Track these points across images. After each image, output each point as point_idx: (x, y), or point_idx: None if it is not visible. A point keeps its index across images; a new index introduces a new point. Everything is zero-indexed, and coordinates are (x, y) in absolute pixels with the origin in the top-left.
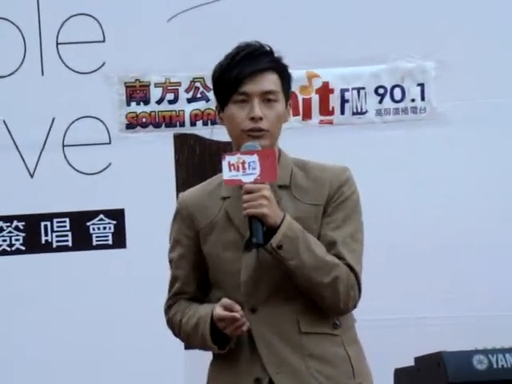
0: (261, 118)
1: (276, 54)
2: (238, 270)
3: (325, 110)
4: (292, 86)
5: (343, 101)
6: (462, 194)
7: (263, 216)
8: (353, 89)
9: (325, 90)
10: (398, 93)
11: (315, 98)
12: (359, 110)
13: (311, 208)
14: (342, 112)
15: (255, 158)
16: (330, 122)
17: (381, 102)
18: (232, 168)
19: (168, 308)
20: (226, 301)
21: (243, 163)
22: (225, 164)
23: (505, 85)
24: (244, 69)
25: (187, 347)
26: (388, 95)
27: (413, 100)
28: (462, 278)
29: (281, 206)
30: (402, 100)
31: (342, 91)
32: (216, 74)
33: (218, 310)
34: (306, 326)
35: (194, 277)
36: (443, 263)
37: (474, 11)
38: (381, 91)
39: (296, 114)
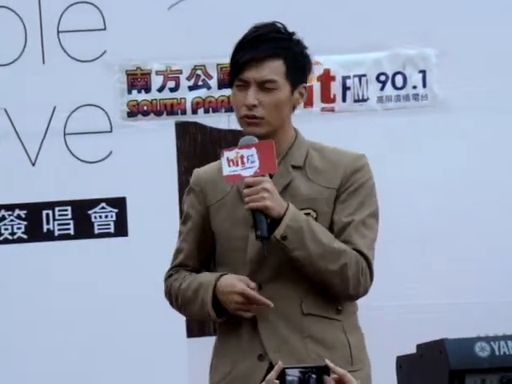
0: (254, 106)
1: (294, 36)
2: (244, 247)
3: (326, 97)
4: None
5: (345, 88)
6: (464, 181)
7: (266, 208)
8: (354, 76)
9: (326, 78)
10: (399, 80)
11: (316, 86)
12: (361, 98)
13: (324, 190)
14: (344, 99)
15: (253, 151)
16: (332, 110)
17: (382, 89)
18: (231, 163)
19: (168, 277)
20: (248, 280)
21: (242, 157)
22: (224, 160)
23: (505, 71)
24: (244, 55)
25: (188, 331)
26: (389, 82)
27: (414, 87)
28: (465, 265)
29: (294, 186)
30: (403, 87)
31: (344, 78)
32: (232, 55)
33: (241, 285)
34: (309, 308)
35: (198, 252)
36: (445, 250)
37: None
38: (382, 78)
39: None
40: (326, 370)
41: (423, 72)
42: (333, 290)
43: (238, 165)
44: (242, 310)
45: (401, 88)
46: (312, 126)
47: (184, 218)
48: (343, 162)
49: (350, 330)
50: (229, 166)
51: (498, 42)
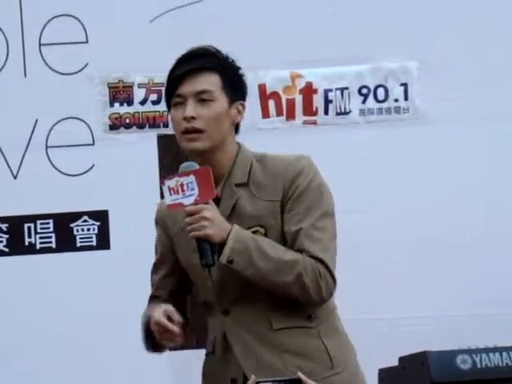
0: (193, 118)
1: (229, 56)
2: (205, 275)
3: (308, 110)
4: (277, 87)
5: (327, 101)
6: (445, 193)
7: (207, 237)
8: (336, 89)
9: (308, 91)
10: (381, 93)
11: (299, 99)
12: (343, 110)
13: (269, 204)
14: (326, 112)
15: (192, 178)
16: (314, 123)
17: (364, 102)
18: (172, 192)
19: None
20: (169, 309)
21: (181, 185)
22: (165, 189)
23: (487, 84)
24: (180, 69)
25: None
26: (371, 95)
27: (396, 100)
28: (445, 277)
29: (240, 206)
30: (385, 100)
31: (326, 91)
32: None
33: (157, 315)
34: (278, 323)
35: (168, 282)
36: (428, 262)
37: (456, 11)
38: (364, 91)
39: (280, 114)
40: (299, 383)
41: (405, 85)
42: (296, 299)
43: (178, 193)
44: (167, 339)
45: (383, 101)
46: (294, 139)
47: (155, 249)
48: (281, 171)
49: (326, 334)
50: (170, 194)
51: (478, 54)
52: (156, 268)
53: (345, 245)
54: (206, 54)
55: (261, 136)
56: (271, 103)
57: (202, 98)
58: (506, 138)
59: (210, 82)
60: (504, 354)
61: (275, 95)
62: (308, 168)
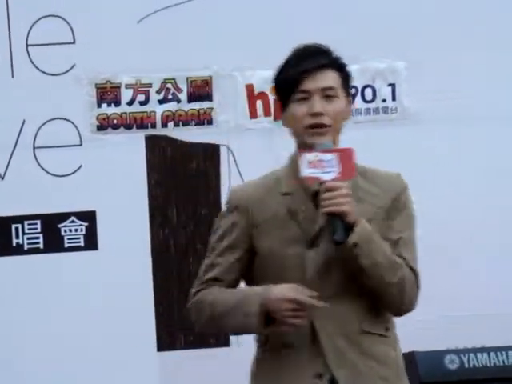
0: (321, 114)
1: (335, 54)
2: (300, 265)
3: None
4: (265, 87)
5: None
6: (433, 194)
7: (344, 213)
8: None
9: None
10: (369, 93)
11: None
12: None
13: (372, 208)
14: None
15: (333, 156)
16: None
17: (352, 102)
18: (310, 165)
19: (197, 292)
20: (299, 287)
21: (321, 161)
22: (303, 161)
23: (474, 84)
24: (302, 67)
25: (159, 345)
26: (359, 95)
27: (384, 100)
28: (435, 279)
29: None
30: (373, 100)
31: None
32: (276, 76)
33: (293, 292)
34: (367, 326)
35: (236, 268)
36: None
37: (444, 11)
38: (352, 91)
39: (267, 114)
40: None
41: (392, 85)
42: (388, 301)
43: (316, 167)
44: (293, 318)
45: (370, 101)
46: (282, 138)
47: (221, 233)
48: (388, 183)
49: (396, 346)
50: (309, 167)
51: (466, 54)
52: (225, 251)
53: None
54: (322, 51)
55: (249, 136)
56: (259, 103)
57: (327, 94)
58: (494, 136)
59: (333, 78)
60: (491, 354)
61: (263, 95)
62: (408, 186)
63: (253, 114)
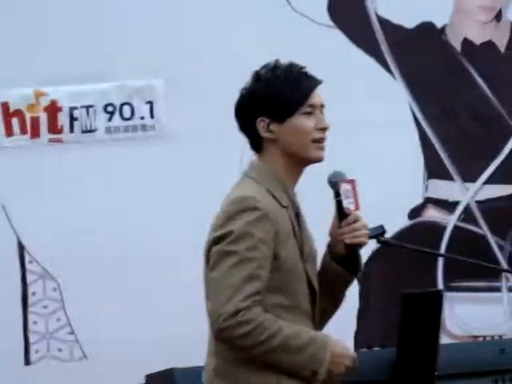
0: (327, 129)
1: None
2: (306, 278)
3: (54, 128)
4: (18, 104)
5: (72, 119)
6: (191, 211)
7: (363, 245)
8: (81, 107)
9: (53, 108)
10: (127, 110)
11: (43, 116)
12: (88, 128)
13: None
14: (72, 130)
15: (349, 186)
16: (60, 141)
17: (110, 119)
18: (344, 196)
19: (248, 308)
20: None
21: (346, 191)
22: (343, 191)
23: (227, 103)
24: (312, 83)
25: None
26: (117, 113)
27: (142, 118)
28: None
29: (306, 232)
30: (131, 118)
31: (71, 109)
32: (277, 89)
33: (349, 351)
34: None
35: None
36: (159, 283)
37: (199, 28)
38: (110, 109)
39: (24, 132)
40: None
41: (151, 103)
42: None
43: (346, 198)
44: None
45: (129, 119)
46: (41, 157)
47: (255, 243)
48: None
49: None
50: (345, 197)
51: (221, 72)
52: (263, 262)
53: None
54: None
55: (5, 154)
56: (15, 121)
57: (322, 110)
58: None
59: None
60: None
61: (19, 113)
62: None
63: (9, 132)
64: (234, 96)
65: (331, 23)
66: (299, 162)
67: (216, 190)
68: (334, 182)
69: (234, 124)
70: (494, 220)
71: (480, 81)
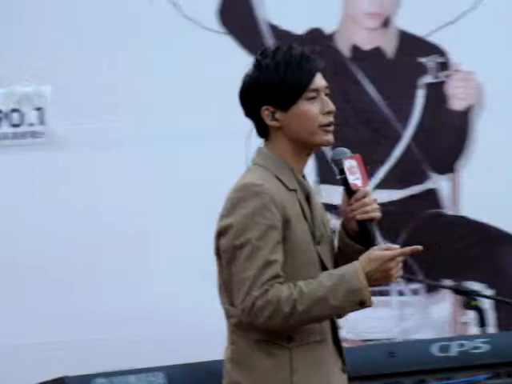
0: (333, 112)
1: None
2: (319, 260)
3: None
4: None
5: None
6: (87, 216)
7: (376, 220)
8: None
9: None
10: (16, 117)
11: None
12: None
13: None
14: None
15: (355, 162)
16: None
17: None
18: (349, 172)
19: (264, 293)
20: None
21: (351, 167)
22: (347, 168)
23: (120, 108)
24: (313, 66)
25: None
26: (6, 119)
27: (31, 124)
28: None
29: (319, 214)
30: (20, 124)
31: None
32: (279, 77)
33: (386, 252)
34: None
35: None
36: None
37: (111, 31)
38: None
39: None
40: None
41: (40, 109)
42: None
43: (351, 174)
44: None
45: (18, 125)
46: None
47: (265, 230)
48: None
49: None
50: (349, 174)
51: (107, 76)
52: (276, 248)
53: None
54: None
55: None
56: None
57: (326, 92)
58: (137, 160)
59: None
60: (141, 375)
61: None
62: None
63: None
64: (120, 104)
65: (221, 28)
66: (307, 147)
67: (106, 196)
68: (337, 160)
69: (123, 131)
70: (385, 224)
71: (369, 86)
